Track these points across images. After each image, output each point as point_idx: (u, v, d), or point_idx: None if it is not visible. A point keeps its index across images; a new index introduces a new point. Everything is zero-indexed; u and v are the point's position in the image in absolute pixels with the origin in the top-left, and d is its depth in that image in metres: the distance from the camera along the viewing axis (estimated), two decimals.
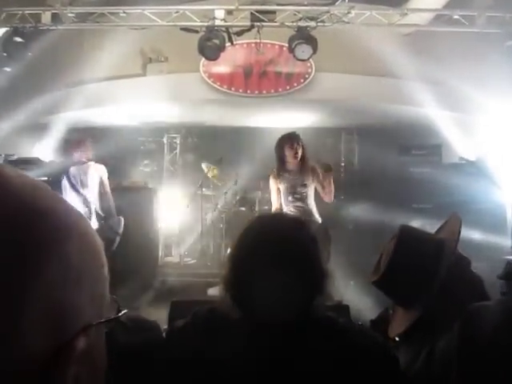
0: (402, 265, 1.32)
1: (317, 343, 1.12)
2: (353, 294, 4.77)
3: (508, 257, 4.55)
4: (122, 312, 0.49)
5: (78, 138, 5.21)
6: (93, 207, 4.80)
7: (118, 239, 4.92)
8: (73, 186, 4.79)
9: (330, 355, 1.10)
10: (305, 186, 4.43)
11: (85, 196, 4.78)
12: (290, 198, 4.44)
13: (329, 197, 4.43)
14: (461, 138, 6.06)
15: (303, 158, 4.39)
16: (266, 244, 1.15)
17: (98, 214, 4.82)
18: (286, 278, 1.10)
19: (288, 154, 4.34)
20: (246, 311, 1.14)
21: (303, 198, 4.45)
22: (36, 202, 0.39)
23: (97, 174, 4.85)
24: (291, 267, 1.11)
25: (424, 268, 1.28)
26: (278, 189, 4.51)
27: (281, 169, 4.44)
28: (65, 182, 4.84)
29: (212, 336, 1.16)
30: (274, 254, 1.12)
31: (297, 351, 1.11)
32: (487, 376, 0.98)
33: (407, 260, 1.32)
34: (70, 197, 4.71)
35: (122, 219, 5.06)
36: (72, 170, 4.84)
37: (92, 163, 4.88)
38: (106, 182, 4.91)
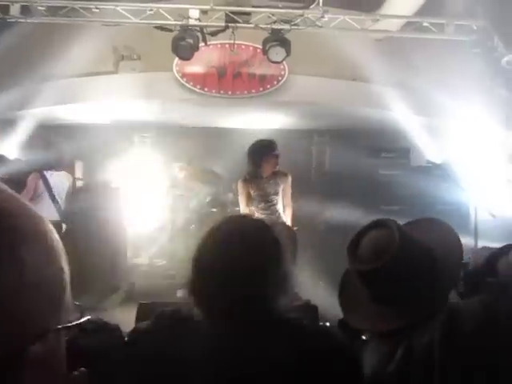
0: (410, 257, 1.22)
1: (277, 344, 1.12)
2: (322, 294, 4.82)
3: (467, 256, 4.71)
4: (83, 319, 0.47)
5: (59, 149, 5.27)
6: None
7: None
8: (51, 195, 4.81)
9: (289, 356, 1.11)
10: (277, 193, 4.50)
11: (60, 206, 4.92)
12: (261, 205, 4.47)
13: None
14: (428, 142, 6.24)
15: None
16: (228, 246, 1.16)
17: None
18: (248, 279, 1.11)
19: (266, 163, 4.35)
20: (209, 312, 1.14)
21: (274, 205, 4.51)
22: None
23: (68, 184, 4.99)
24: (253, 269, 1.12)
25: (421, 271, 1.21)
26: (249, 193, 4.52)
27: (255, 175, 4.44)
28: (42, 187, 4.83)
29: (174, 337, 1.16)
30: (236, 256, 1.13)
31: (257, 352, 1.11)
32: (470, 373, 1.00)
33: (408, 258, 1.22)
34: (45, 203, 4.74)
35: None
36: (52, 178, 4.86)
37: (64, 173, 4.96)
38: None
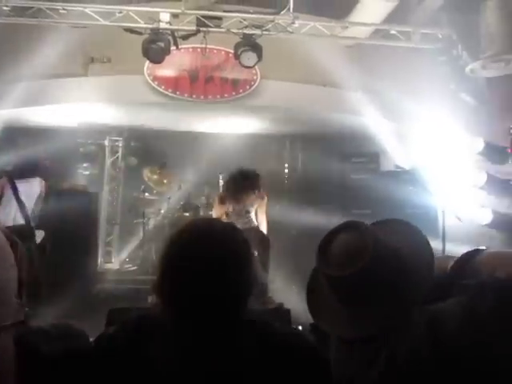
0: (383, 261, 1.20)
1: (244, 344, 1.13)
2: (294, 297, 4.85)
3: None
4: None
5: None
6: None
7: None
8: (18, 200, 4.81)
9: (259, 355, 1.11)
10: (248, 212, 4.85)
11: (26, 211, 4.87)
12: (238, 225, 4.66)
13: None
14: (397, 147, 6.37)
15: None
16: (196, 245, 1.16)
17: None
18: (215, 280, 1.11)
19: (246, 197, 4.76)
20: (176, 312, 1.14)
21: (250, 222, 4.85)
22: None
23: (39, 189, 5.00)
24: (220, 270, 1.12)
25: (393, 276, 1.20)
26: (226, 213, 4.85)
27: (231, 199, 4.82)
28: (9, 192, 4.80)
29: (140, 340, 1.15)
30: (203, 255, 1.13)
31: (226, 351, 1.12)
32: (457, 377, 1.01)
33: (381, 264, 1.19)
34: (12, 208, 4.78)
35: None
36: (21, 185, 4.85)
37: (38, 179, 4.97)
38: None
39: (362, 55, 5.82)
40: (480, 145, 4.87)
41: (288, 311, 2.63)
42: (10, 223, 4.68)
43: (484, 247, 1.31)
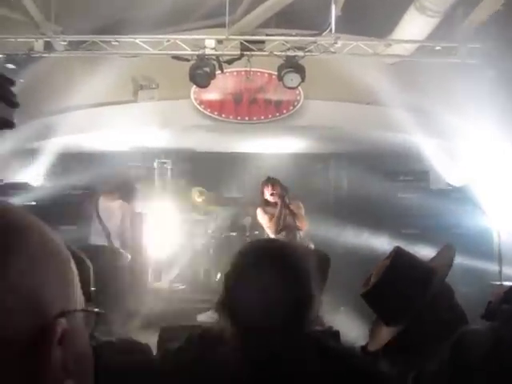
0: (391, 282, 1.35)
1: (307, 357, 1.16)
2: (343, 319, 4.76)
3: (495, 282, 4.58)
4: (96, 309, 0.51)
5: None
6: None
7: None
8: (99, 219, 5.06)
9: (317, 369, 1.14)
10: (289, 224, 4.88)
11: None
12: (278, 236, 4.78)
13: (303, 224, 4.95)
14: (447, 165, 6.17)
15: (283, 198, 4.85)
16: (256, 265, 1.20)
17: None
18: (276, 296, 1.15)
19: (266, 195, 4.97)
20: (240, 329, 1.17)
21: (290, 234, 4.87)
22: (6, 208, 0.45)
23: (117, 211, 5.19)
24: (281, 286, 1.16)
25: (412, 290, 1.31)
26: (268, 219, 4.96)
27: (266, 208, 5.00)
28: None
29: (206, 356, 1.19)
30: (264, 274, 1.17)
31: (287, 364, 1.14)
32: None
33: (398, 278, 1.35)
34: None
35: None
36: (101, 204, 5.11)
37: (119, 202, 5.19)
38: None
39: (406, 72, 5.73)
40: None
41: (337, 333, 2.59)
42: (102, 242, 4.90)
43: None
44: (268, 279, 1.17)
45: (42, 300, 0.42)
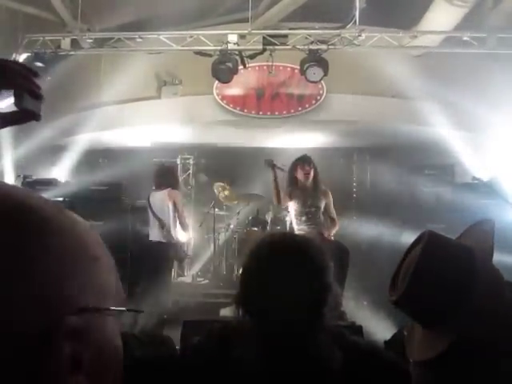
0: (427, 278, 1.05)
1: (326, 350, 1.15)
2: (366, 314, 4.74)
3: None
4: (135, 309, 0.52)
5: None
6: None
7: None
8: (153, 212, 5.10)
9: (337, 363, 1.13)
10: (317, 207, 4.57)
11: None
12: (302, 218, 4.53)
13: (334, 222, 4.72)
14: (473, 158, 6.05)
15: (315, 179, 4.53)
16: (273, 258, 1.20)
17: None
18: (293, 288, 1.15)
19: (300, 174, 4.56)
20: (259, 322, 1.18)
21: (315, 218, 4.52)
22: (25, 201, 0.44)
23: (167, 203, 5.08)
24: (298, 278, 1.16)
25: (456, 280, 1.04)
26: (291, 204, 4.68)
27: (293, 189, 4.60)
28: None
29: (226, 349, 1.19)
30: (280, 267, 1.18)
31: (306, 360, 1.14)
32: None
33: (434, 271, 1.05)
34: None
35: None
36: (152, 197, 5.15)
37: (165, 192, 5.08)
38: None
39: (432, 64, 5.63)
40: None
41: (360, 328, 2.58)
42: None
43: None
44: (285, 272, 1.16)
45: (55, 296, 0.42)
